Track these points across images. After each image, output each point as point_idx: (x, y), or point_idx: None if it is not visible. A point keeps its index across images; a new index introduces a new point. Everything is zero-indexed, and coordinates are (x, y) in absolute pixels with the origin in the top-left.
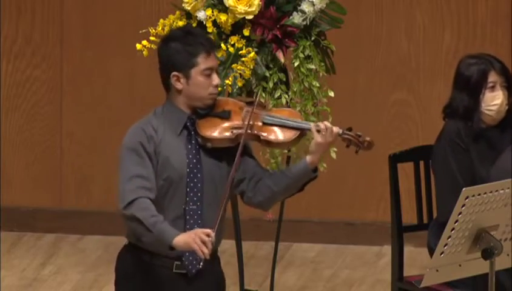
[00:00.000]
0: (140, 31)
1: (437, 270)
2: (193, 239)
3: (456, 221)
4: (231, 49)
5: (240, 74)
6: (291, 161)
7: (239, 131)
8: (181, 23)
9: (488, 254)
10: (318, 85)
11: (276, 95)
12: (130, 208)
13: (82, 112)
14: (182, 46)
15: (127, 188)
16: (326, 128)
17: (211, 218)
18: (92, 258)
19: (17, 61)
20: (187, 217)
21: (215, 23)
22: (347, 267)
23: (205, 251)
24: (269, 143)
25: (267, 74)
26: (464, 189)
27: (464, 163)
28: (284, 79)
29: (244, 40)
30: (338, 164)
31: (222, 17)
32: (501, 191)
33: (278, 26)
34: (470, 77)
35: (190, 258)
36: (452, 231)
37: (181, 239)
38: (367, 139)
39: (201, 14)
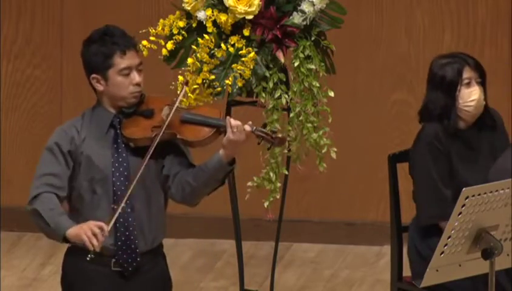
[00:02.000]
0: (140, 31)
1: (437, 270)
2: (84, 231)
3: (456, 221)
4: (231, 49)
5: (240, 74)
6: (291, 161)
7: (159, 131)
8: (181, 23)
9: (488, 254)
10: (318, 85)
11: (276, 95)
12: (33, 202)
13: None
14: (98, 48)
15: (35, 184)
16: (237, 125)
17: (144, 216)
18: None
19: (17, 61)
20: (118, 216)
21: (215, 23)
22: (347, 267)
23: (95, 243)
24: (184, 141)
25: (267, 74)
26: (464, 189)
27: (444, 166)
28: (284, 79)
29: (244, 40)
30: (338, 164)
31: (222, 17)
32: (501, 191)
33: (278, 26)
34: (444, 76)
35: (124, 256)
36: (452, 231)
37: (73, 231)
38: (279, 135)
39: (201, 14)
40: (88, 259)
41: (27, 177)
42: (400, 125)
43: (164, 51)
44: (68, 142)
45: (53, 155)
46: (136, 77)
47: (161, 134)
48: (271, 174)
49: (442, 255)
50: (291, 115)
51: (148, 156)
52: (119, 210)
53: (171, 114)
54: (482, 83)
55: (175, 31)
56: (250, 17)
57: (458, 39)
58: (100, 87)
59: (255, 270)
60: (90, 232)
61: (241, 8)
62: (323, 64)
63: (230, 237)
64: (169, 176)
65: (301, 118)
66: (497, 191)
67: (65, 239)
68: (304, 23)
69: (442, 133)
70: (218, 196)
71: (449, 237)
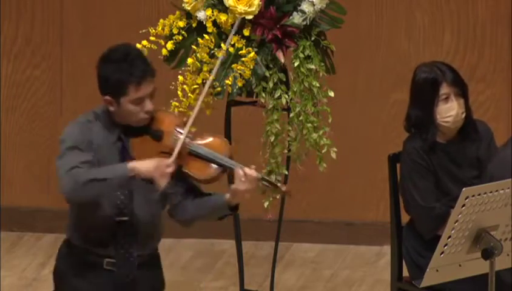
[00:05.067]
0: (140, 31)
1: (437, 270)
2: (154, 168)
3: (456, 221)
4: (231, 49)
5: (240, 74)
6: (291, 161)
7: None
8: (181, 23)
9: (488, 254)
10: (318, 85)
11: (276, 95)
12: (77, 180)
13: (82, 112)
14: (114, 73)
15: (67, 173)
16: (247, 174)
17: (145, 231)
18: None
19: (17, 61)
20: (118, 228)
21: (215, 23)
22: (347, 267)
23: (164, 182)
24: (189, 176)
25: (267, 74)
26: (464, 189)
27: (429, 182)
28: (284, 79)
29: (244, 40)
30: (338, 164)
31: (222, 17)
32: (501, 191)
33: (278, 26)
34: (422, 91)
35: (122, 262)
36: (452, 231)
37: (143, 165)
38: (284, 189)
39: (201, 14)
40: (157, 191)
41: (27, 177)
42: (400, 125)
43: (164, 51)
44: (86, 139)
45: (77, 149)
46: (147, 105)
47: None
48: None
49: (442, 255)
50: (291, 115)
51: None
52: (181, 143)
53: (178, 147)
54: (463, 95)
55: (175, 31)
56: (250, 17)
57: (458, 39)
58: (111, 108)
59: (255, 270)
60: (160, 172)
61: (241, 8)
62: (323, 64)
63: (230, 237)
64: (172, 194)
65: (301, 118)
66: (497, 191)
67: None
68: (304, 23)
69: (422, 148)
70: None
71: (449, 237)
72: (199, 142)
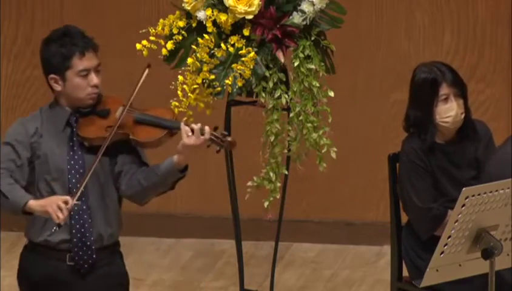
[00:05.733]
0: (140, 31)
1: (437, 270)
2: (49, 203)
3: (456, 221)
4: (231, 49)
5: (240, 74)
6: (291, 161)
7: (111, 130)
8: (181, 23)
9: (488, 254)
10: (318, 85)
11: (276, 95)
12: None
13: None
14: (57, 49)
15: None
16: (193, 129)
17: (100, 213)
18: None
19: (17, 61)
20: (72, 213)
21: (215, 23)
22: (347, 267)
23: (60, 216)
24: (136, 142)
25: (267, 74)
26: (464, 189)
27: (427, 182)
28: (284, 79)
29: (244, 40)
30: (338, 164)
31: (222, 17)
32: (501, 191)
33: (278, 26)
34: (421, 91)
35: (80, 253)
36: (452, 231)
37: (38, 203)
38: (229, 139)
39: (201, 14)
40: (53, 230)
41: None
42: (400, 125)
43: (164, 51)
44: (28, 137)
45: (12, 148)
46: (94, 78)
47: (112, 133)
48: (271, 174)
49: (442, 255)
50: (291, 115)
51: (100, 154)
52: (82, 186)
53: (123, 115)
54: (462, 96)
55: (175, 31)
56: (250, 17)
57: (458, 39)
58: (58, 87)
59: (255, 270)
60: (56, 205)
61: (241, 8)
62: (322, 64)
63: (230, 237)
64: (121, 173)
65: (301, 118)
66: (497, 191)
67: (25, 212)
68: (304, 23)
69: (420, 149)
70: (218, 196)
71: (449, 237)
72: (144, 112)
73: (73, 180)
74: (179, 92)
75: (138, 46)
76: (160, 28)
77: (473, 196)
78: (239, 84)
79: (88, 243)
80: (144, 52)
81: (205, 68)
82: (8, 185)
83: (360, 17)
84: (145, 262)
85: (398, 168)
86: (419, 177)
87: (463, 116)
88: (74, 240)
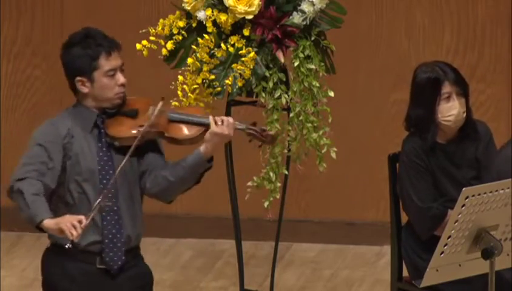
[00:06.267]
0: (140, 31)
1: (437, 270)
2: (64, 222)
3: (456, 221)
4: (231, 49)
5: (240, 74)
6: (291, 161)
7: (144, 129)
8: (181, 23)
9: (488, 254)
10: (318, 85)
11: (276, 95)
12: (20, 182)
13: None
14: (83, 50)
15: (23, 169)
16: (223, 120)
17: (128, 214)
18: None
19: (17, 61)
20: (103, 214)
21: (215, 23)
22: (347, 267)
23: (74, 233)
24: (173, 139)
25: (267, 74)
26: (464, 189)
27: (427, 182)
28: (284, 79)
29: (244, 40)
30: (338, 164)
31: (222, 17)
32: (501, 191)
33: (278, 26)
34: (424, 90)
35: (110, 254)
36: (452, 231)
37: (52, 221)
38: (270, 133)
39: (201, 14)
40: (66, 247)
41: None
42: (400, 125)
43: (164, 51)
44: (61, 138)
45: (44, 150)
46: (121, 78)
47: (145, 130)
48: (271, 174)
49: (442, 255)
50: (291, 115)
51: (131, 151)
52: (98, 204)
53: (156, 112)
54: (464, 95)
55: (175, 31)
56: (250, 17)
57: (458, 39)
58: (85, 89)
59: (255, 270)
60: (70, 224)
61: (241, 8)
62: (322, 64)
63: (230, 237)
64: (146, 172)
65: (301, 118)
66: (497, 191)
67: (38, 227)
68: (304, 23)
69: (421, 148)
70: (218, 196)
71: (449, 237)
72: (176, 110)
73: (104, 181)
74: (179, 92)
75: (138, 46)
76: (160, 28)
77: (473, 196)
78: (239, 84)
79: (119, 244)
80: (144, 52)
81: (205, 68)
82: (32, 196)
83: (360, 17)
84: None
85: (398, 167)
86: (419, 177)
87: (464, 115)
88: (106, 241)
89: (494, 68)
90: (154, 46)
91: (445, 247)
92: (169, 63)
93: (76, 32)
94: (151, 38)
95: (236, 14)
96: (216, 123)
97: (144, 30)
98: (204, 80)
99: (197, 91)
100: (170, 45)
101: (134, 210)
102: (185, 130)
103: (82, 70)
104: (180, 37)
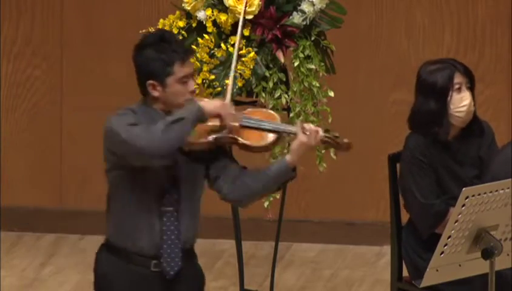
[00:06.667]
0: (140, 31)
1: (437, 270)
2: (220, 105)
3: (456, 221)
4: (231, 49)
5: (240, 74)
6: None
7: (217, 135)
8: (181, 23)
9: (488, 254)
10: (318, 85)
11: (276, 95)
12: (155, 130)
13: (82, 112)
14: (157, 54)
15: (137, 128)
16: (311, 130)
17: (188, 217)
18: (92, 258)
19: (17, 61)
20: (164, 219)
21: (215, 23)
22: (347, 267)
23: (230, 121)
24: (246, 146)
25: (267, 74)
26: (464, 189)
27: (430, 178)
28: (284, 79)
29: (244, 40)
30: (338, 164)
31: (222, 17)
32: (501, 191)
33: (278, 26)
34: (435, 82)
35: (168, 259)
36: (452, 231)
37: (209, 103)
38: (345, 140)
39: (201, 14)
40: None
41: (27, 177)
42: (400, 125)
43: None
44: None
45: (134, 117)
46: (192, 85)
47: (218, 137)
48: None
49: (442, 255)
50: (291, 115)
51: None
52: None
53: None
54: (471, 89)
55: (175, 31)
56: (250, 17)
57: (458, 39)
58: (155, 93)
59: (255, 270)
60: (226, 109)
61: (241, 8)
62: (322, 64)
63: (230, 237)
64: (219, 178)
65: (301, 118)
66: (497, 191)
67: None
68: (304, 23)
69: (424, 145)
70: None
71: (449, 237)
72: (248, 115)
73: (167, 185)
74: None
75: None
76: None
77: (473, 196)
78: (239, 84)
79: (177, 250)
80: None
81: (205, 68)
82: (169, 117)
83: (360, 17)
84: None
85: (400, 164)
86: (422, 174)
87: (474, 109)
88: (164, 246)
89: (494, 68)
90: None
91: (445, 247)
92: None
93: (149, 33)
94: None
95: (236, 14)
96: (304, 132)
97: (144, 30)
98: (204, 80)
99: (197, 91)
100: None
101: (194, 212)
102: (259, 138)
103: (155, 73)
104: (180, 37)
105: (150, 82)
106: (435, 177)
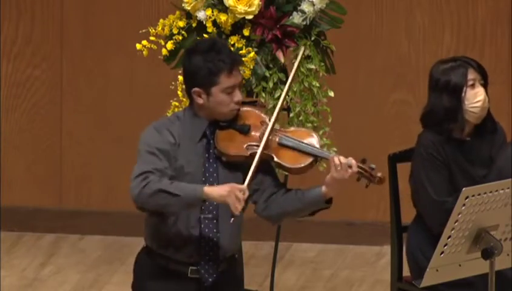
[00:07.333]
0: (140, 31)
1: (437, 270)
2: (228, 193)
3: (456, 221)
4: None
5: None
6: None
7: (254, 150)
8: (181, 23)
9: (488, 254)
10: (318, 85)
11: (276, 95)
12: (147, 187)
13: (82, 112)
14: (204, 63)
15: (140, 178)
16: (341, 163)
17: (226, 228)
18: (92, 258)
19: (17, 61)
20: (202, 226)
21: (215, 23)
22: (347, 267)
23: (239, 207)
24: (280, 166)
25: (267, 74)
26: (464, 189)
27: (443, 175)
28: (284, 79)
29: (244, 40)
30: None
31: (222, 17)
32: (501, 191)
33: (278, 26)
34: (450, 79)
35: (206, 267)
36: (452, 231)
37: (215, 191)
38: (379, 175)
39: (201, 14)
40: (231, 221)
41: (27, 177)
42: (400, 125)
43: (164, 51)
44: (166, 144)
45: (154, 155)
46: (238, 95)
47: (258, 157)
48: None
49: (442, 255)
50: (291, 115)
51: (250, 175)
52: (251, 172)
53: (266, 134)
54: (484, 85)
55: (175, 31)
56: (250, 17)
57: (458, 39)
58: (200, 101)
59: (255, 270)
60: (234, 196)
61: (241, 8)
62: (322, 64)
63: None
64: (258, 190)
65: (301, 118)
66: (497, 191)
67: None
68: (304, 23)
69: (438, 142)
70: None
71: (449, 237)
72: (287, 134)
73: None
74: (179, 92)
75: (138, 46)
76: (160, 28)
77: (473, 196)
78: None
79: (215, 258)
80: (144, 52)
81: None
82: (170, 185)
83: (360, 17)
84: None
85: (412, 162)
86: (436, 170)
87: (488, 105)
88: (202, 253)
89: (494, 68)
90: (154, 47)
91: (445, 247)
92: (169, 63)
93: (202, 40)
94: (151, 38)
95: (236, 14)
96: (336, 168)
97: (144, 30)
98: None
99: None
100: (170, 45)
101: (235, 222)
102: (296, 159)
103: (201, 81)
104: (180, 37)
105: (195, 89)
106: (447, 174)
